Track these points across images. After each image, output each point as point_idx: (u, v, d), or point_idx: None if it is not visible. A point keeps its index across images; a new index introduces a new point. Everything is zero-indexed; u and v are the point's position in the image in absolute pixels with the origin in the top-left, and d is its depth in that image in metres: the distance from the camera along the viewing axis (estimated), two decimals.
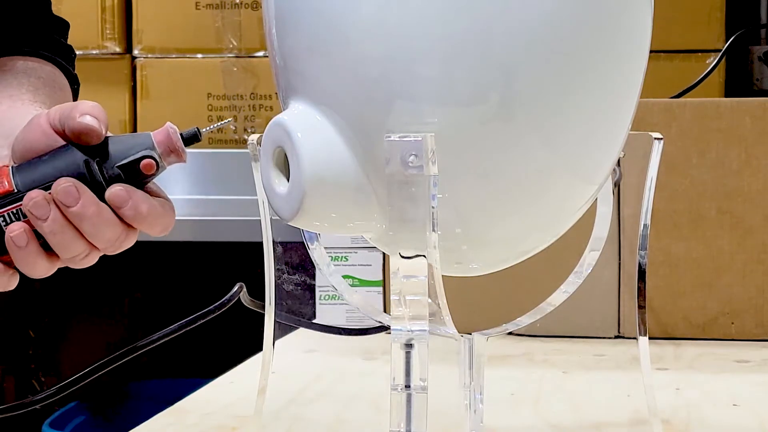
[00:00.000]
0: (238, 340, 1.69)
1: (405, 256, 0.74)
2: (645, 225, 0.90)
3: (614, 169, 0.88)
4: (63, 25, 1.12)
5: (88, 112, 0.79)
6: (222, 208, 2.08)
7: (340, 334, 1.15)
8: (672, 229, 1.40)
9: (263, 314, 0.90)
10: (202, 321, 0.92)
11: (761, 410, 1.10)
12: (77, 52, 1.12)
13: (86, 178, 0.75)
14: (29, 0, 1.08)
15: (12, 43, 1.04)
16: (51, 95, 1.00)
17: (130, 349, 0.90)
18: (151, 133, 0.78)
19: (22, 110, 0.93)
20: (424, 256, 0.73)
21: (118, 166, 0.76)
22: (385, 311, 1.23)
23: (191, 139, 0.78)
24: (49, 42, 1.08)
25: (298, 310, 1.68)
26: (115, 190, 0.77)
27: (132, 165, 0.76)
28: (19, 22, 1.06)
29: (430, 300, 0.74)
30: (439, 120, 0.74)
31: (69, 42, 1.12)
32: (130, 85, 2.11)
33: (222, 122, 0.80)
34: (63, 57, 1.08)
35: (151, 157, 0.76)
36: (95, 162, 0.75)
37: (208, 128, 0.79)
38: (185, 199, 2.05)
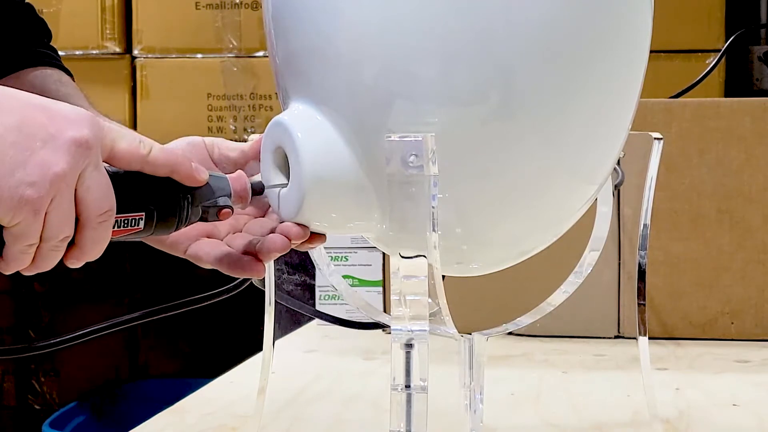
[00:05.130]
0: (238, 340, 1.69)
1: (405, 256, 0.74)
2: (645, 225, 0.90)
3: (616, 171, 0.88)
4: (50, 35, 1.21)
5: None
6: None
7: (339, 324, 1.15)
8: (672, 229, 1.40)
9: (263, 314, 0.90)
10: (217, 299, 0.94)
11: (761, 410, 1.10)
12: (77, 52, 1.16)
13: (176, 210, 0.76)
14: (34, 18, 1.19)
15: (32, 57, 1.15)
16: (77, 94, 1.12)
17: (144, 314, 0.92)
18: (228, 177, 0.78)
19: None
20: (424, 256, 0.73)
21: (202, 206, 0.77)
22: (385, 311, 1.23)
23: (256, 192, 0.79)
24: (54, 53, 1.18)
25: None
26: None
27: (213, 209, 0.78)
28: (32, 39, 1.17)
29: (430, 300, 0.74)
30: (439, 120, 0.74)
31: (69, 42, 1.17)
32: (130, 85, 2.11)
33: (279, 184, 0.79)
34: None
35: (230, 207, 0.78)
36: (187, 198, 0.77)
37: (270, 185, 0.80)
38: None
